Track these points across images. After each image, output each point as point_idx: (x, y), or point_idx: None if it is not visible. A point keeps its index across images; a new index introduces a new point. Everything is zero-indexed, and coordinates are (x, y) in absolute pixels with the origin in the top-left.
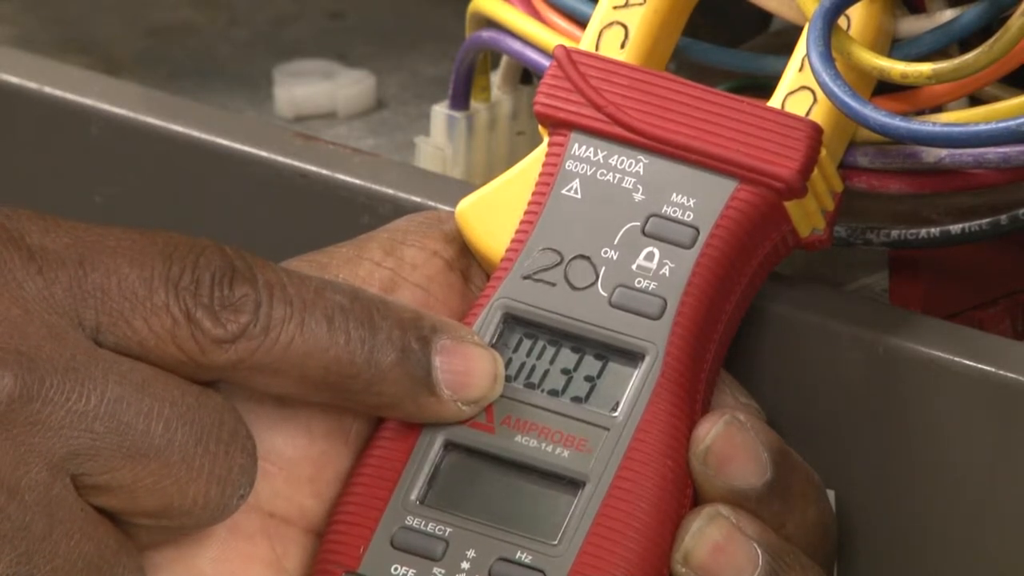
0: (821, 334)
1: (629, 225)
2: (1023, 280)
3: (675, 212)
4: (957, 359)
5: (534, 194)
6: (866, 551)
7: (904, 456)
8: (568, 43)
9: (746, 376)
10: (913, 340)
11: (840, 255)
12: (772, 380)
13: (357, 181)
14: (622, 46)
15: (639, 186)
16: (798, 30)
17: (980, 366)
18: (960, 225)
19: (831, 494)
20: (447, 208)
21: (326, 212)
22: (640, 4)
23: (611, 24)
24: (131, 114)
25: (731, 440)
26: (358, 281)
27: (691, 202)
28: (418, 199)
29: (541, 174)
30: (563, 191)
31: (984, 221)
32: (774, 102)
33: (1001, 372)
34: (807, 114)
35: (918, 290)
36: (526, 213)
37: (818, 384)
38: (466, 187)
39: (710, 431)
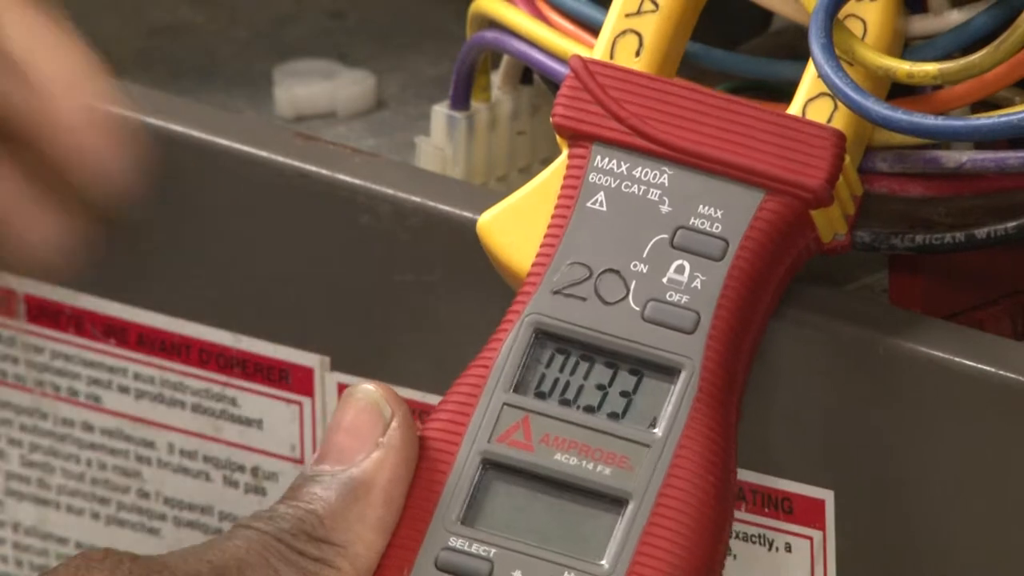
0: (821, 334)
1: (657, 238)
2: (1023, 280)
3: (703, 224)
4: (957, 359)
5: (558, 207)
6: (866, 551)
7: (904, 456)
8: (571, 44)
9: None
10: (913, 340)
11: (840, 255)
12: (772, 380)
13: (357, 181)
14: (637, 54)
15: (665, 198)
16: (799, 29)
17: (980, 366)
18: (985, 229)
19: (831, 494)
20: (446, 207)
21: (326, 212)
22: (653, 11)
23: (624, 32)
24: (131, 114)
25: None
26: None
27: (719, 213)
28: (418, 199)
29: (563, 187)
30: (588, 204)
31: (1010, 224)
32: (794, 109)
33: (1001, 372)
34: (828, 121)
35: (918, 290)
36: (550, 227)
37: (818, 384)
38: (466, 187)
39: None
